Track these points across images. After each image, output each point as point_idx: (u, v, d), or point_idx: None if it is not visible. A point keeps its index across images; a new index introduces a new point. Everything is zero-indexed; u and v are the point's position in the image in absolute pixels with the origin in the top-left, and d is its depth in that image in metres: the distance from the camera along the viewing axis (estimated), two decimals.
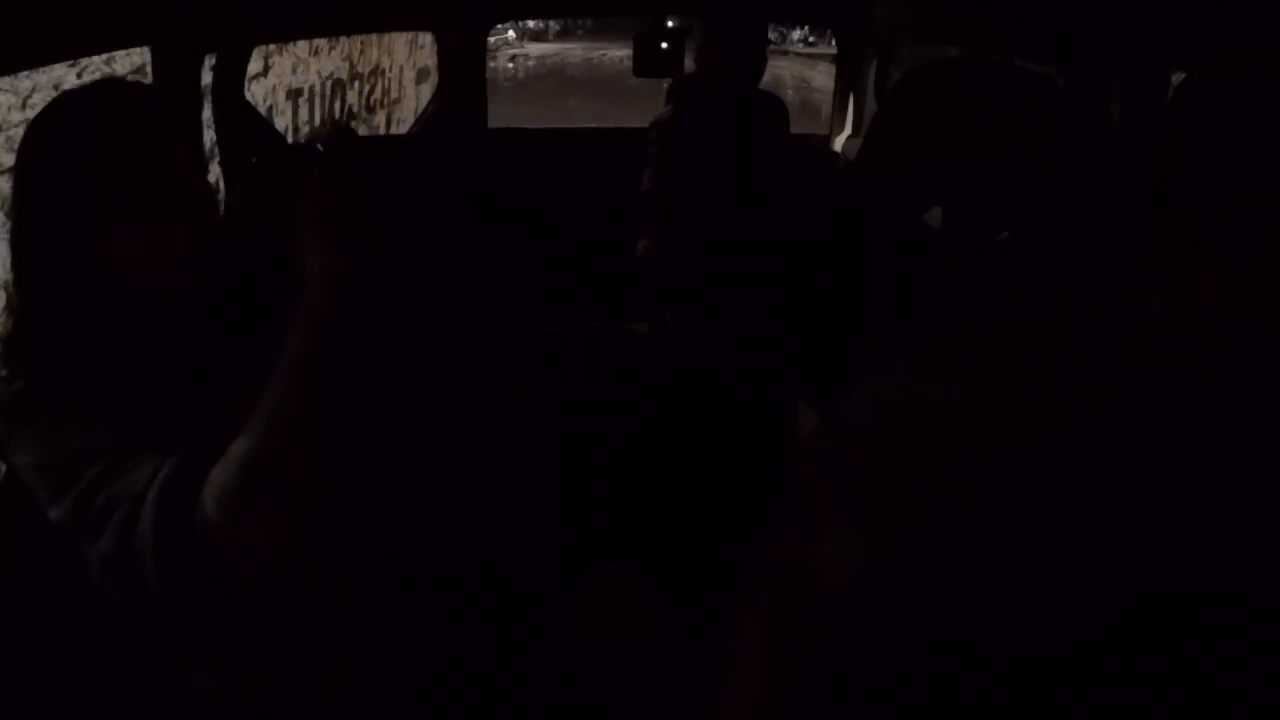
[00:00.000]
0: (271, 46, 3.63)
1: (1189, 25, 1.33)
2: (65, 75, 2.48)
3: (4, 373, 0.85)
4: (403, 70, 5.26)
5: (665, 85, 2.48)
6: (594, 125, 3.05)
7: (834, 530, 0.75)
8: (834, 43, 2.86)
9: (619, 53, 10.84)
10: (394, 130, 5.10)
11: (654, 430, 2.11)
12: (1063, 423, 0.68)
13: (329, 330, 0.78)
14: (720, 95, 2.22)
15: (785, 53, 15.23)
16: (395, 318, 0.95)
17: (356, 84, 4.70)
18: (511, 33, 14.80)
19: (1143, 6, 1.40)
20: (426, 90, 4.83)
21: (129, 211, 0.87)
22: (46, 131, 0.88)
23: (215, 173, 1.88)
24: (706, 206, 2.17)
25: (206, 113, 1.82)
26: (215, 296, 0.91)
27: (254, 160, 0.90)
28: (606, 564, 1.21)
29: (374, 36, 4.75)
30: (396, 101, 5.20)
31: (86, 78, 2.53)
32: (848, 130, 2.86)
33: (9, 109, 2.42)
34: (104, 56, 2.52)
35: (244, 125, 1.89)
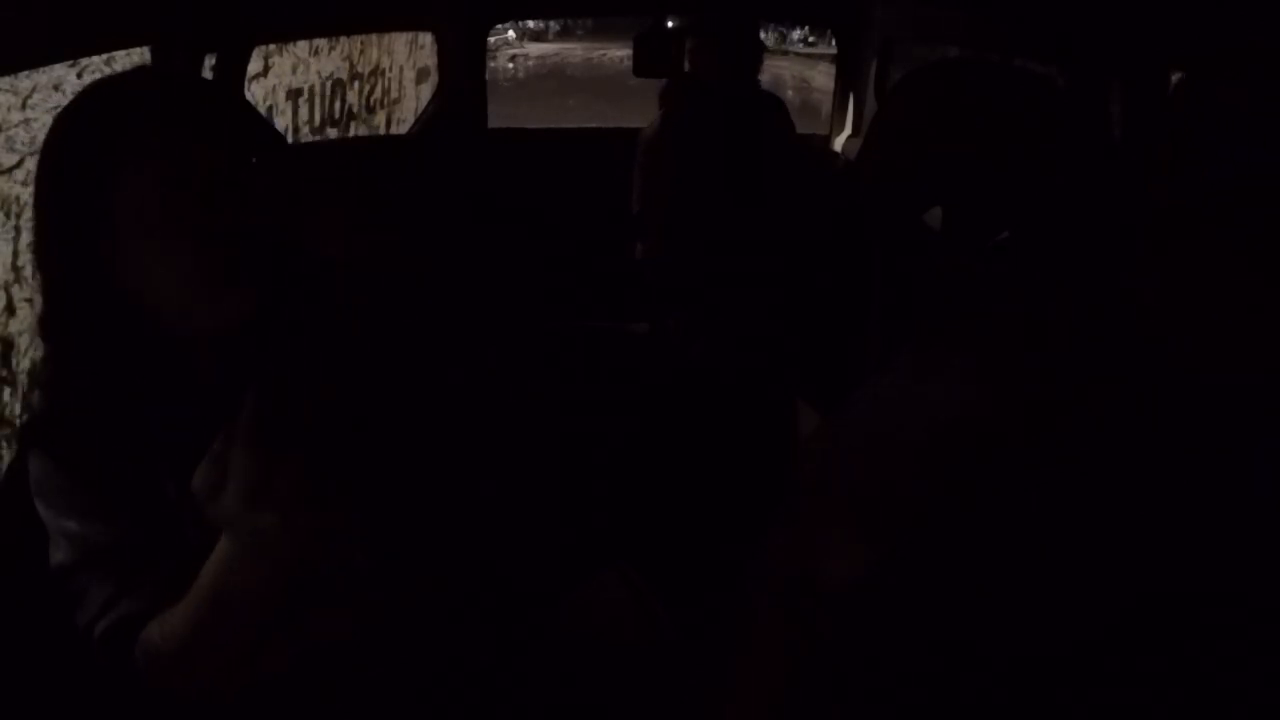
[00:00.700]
0: (271, 46, 3.62)
1: (1189, 25, 1.33)
2: (65, 75, 2.47)
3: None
4: (403, 70, 5.25)
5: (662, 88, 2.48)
6: (594, 125, 3.05)
7: (835, 530, 0.75)
8: (834, 43, 2.86)
9: (619, 53, 10.83)
10: (394, 130, 5.10)
11: (654, 430, 2.11)
12: (1062, 423, 0.68)
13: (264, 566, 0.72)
14: (718, 96, 2.22)
15: (785, 53, 15.22)
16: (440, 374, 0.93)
17: (356, 84, 4.70)
18: (511, 33, 14.81)
19: (1143, 6, 1.40)
20: (426, 90, 4.82)
21: (157, 229, 0.77)
22: (63, 133, 0.80)
23: None
24: (706, 208, 2.17)
25: None
26: (266, 323, 0.82)
27: (254, 160, 0.88)
28: (606, 564, 1.21)
29: (374, 36, 4.75)
30: (396, 101, 5.20)
31: (87, 78, 2.52)
32: (848, 130, 2.86)
33: (9, 109, 2.42)
34: (104, 56, 2.52)
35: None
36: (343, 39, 4.39)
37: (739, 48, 2.25)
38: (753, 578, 0.81)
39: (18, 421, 2.21)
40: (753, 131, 2.28)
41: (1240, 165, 0.64)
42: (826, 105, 2.94)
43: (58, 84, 2.45)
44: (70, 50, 1.43)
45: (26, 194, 1.85)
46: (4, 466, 1.32)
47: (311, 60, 4.15)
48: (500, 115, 2.87)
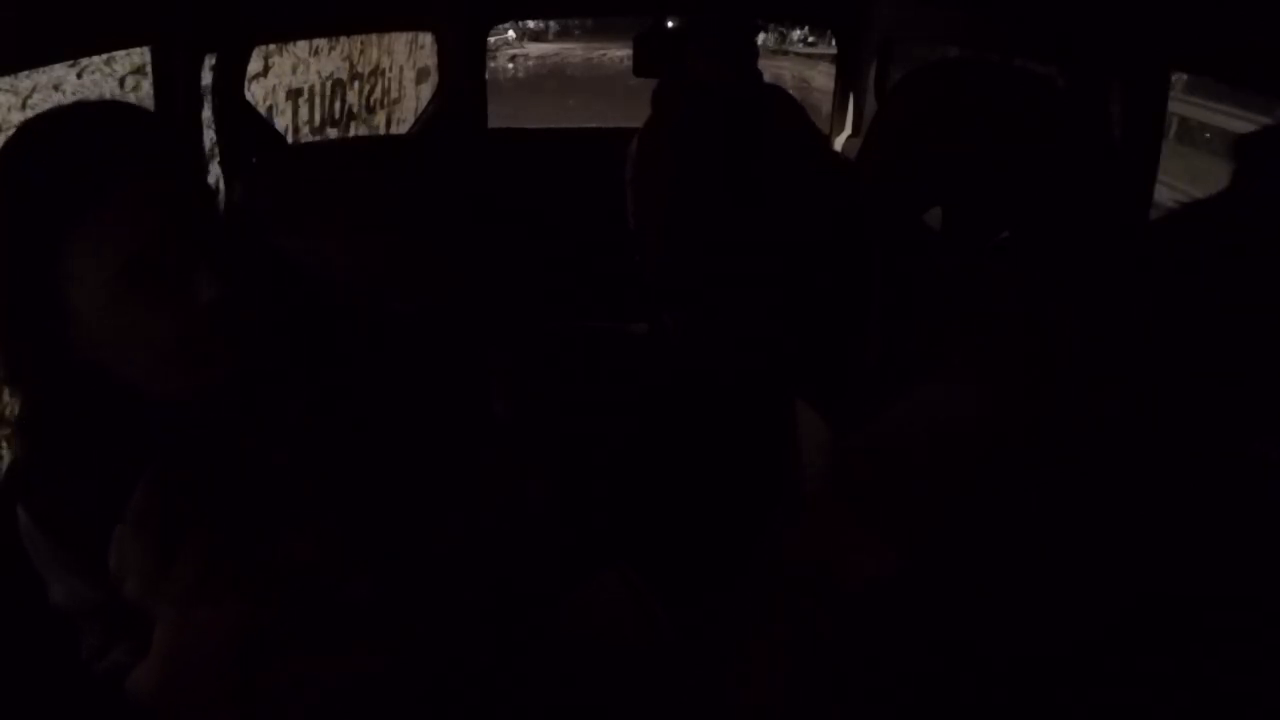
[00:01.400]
0: (271, 46, 3.62)
1: (1189, 25, 1.32)
2: (65, 75, 2.48)
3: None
4: (403, 70, 5.25)
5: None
6: (594, 125, 3.05)
7: (851, 533, 0.75)
8: (834, 43, 2.86)
9: (619, 53, 10.83)
10: (394, 130, 5.09)
11: (654, 431, 2.11)
12: (1063, 423, 0.68)
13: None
14: (718, 97, 2.22)
15: (785, 53, 15.21)
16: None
17: (356, 84, 4.70)
18: (511, 33, 14.79)
19: (1143, 6, 1.40)
20: (426, 90, 4.82)
21: (115, 293, 0.69)
22: (6, 198, 0.69)
23: (215, 173, 1.88)
24: (706, 209, 2.17)
25: (206, 113, 1.82)
26: (252, 380, 0.78)
27: (254, 160, 0.87)
28: (606, 564, 1.21)
29: (374, 36, 4.74)
30: (396, 101, 5.19)
31: (86, 78, 2.52)
32: (848, 130, 2.86)
33: (9, 109, 2.41)
34: (104, 56, 2.52)
35: (244, 125, 1.89)
36: (343, 39, 4.38)
37: (740, 48, 2.24)
38: (752, 579, 0.81)
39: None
40: (752, 131, 2.27)
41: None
42: (826, 105, 2.94)
43: (58, 84, 2.45)
44: (70, 50, 1.43)
45: None
46: (4, 466, 1.32)
47: (311, 60, 4.15)
48: (500, 115, 2.87)
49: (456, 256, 1.57)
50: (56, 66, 2.39)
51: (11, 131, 0.75)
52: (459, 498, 0.90)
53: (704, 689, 1.07)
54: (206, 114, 1.83)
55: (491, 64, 3.73)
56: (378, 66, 4.93)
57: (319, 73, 4.25)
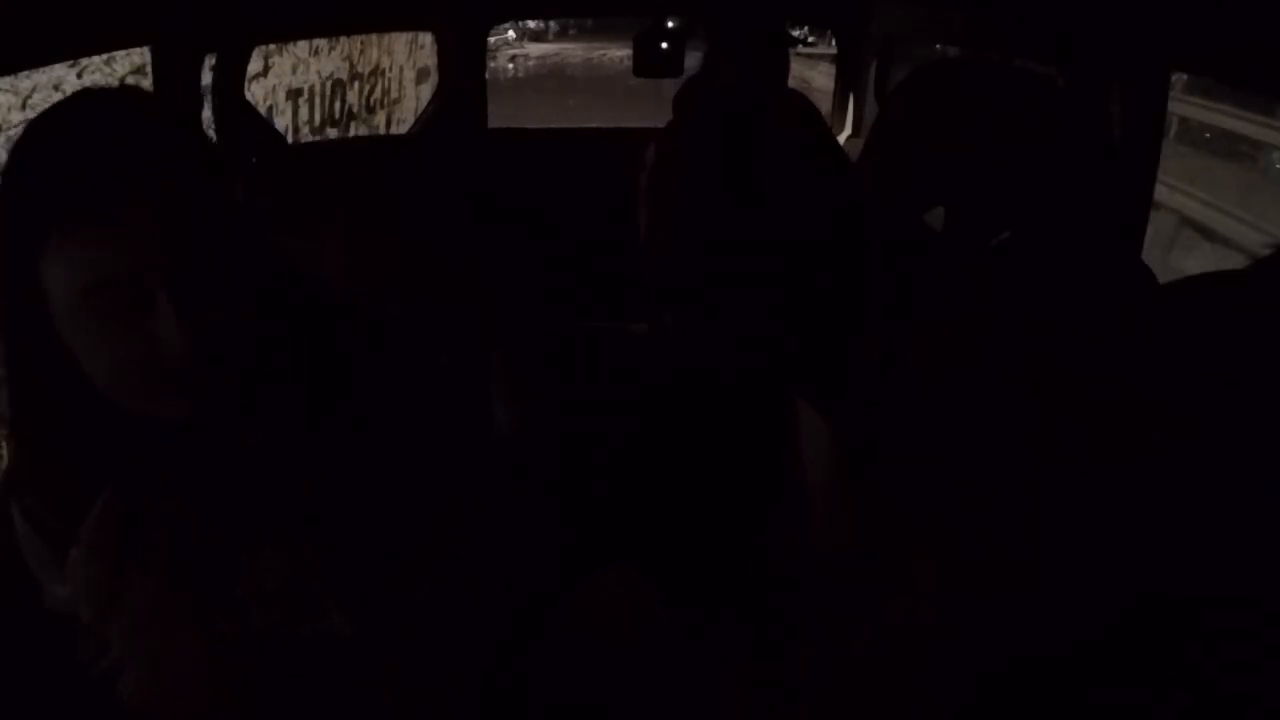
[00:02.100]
0: (271, 46, 3.62)
1: (1189, 25, 1.32)
2: (65, 75, 2.48)
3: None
4: (403, 70, 5.26)
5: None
6: (594, 125, 3.05)
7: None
8: (834, 43, 2.86)
9: (619, 53, 10.82)
10: (394, 130, 5.10)
11: (654, 431, 2.10)
12: (1063, 422, 0.68)
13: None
14: (723, 98, 2.21)
15: None
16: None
17: (356, 84, 4.70)
18: (511, 33, 14.79)
19: (1143, 6, 1.40)
20: (426, 90, 4.83)
21: (81, 310, 0.65)
22: (9, 173, 0.67)
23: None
24: (709, 209, 2.17)
25: (206, 113, 1.82)
26: (249, 384, 0.75)
27: (254, 160, 0.86)
28: (606, 564, 1.21)
29: (374, 36, 4.75)
30: (396, 101, 5.20)
31: (86, 78, 2.52)
32: (848, 130, 2.86)
33: (9, 109, 2.42)
34: (104, 56, 2.52)
35: (244, 125, 1.89)
36: (343, 39, 4.39)
37: (740, 48, 2.23)
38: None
39: None
40: (752, 132, 2.27)
41: None
42: (826, 105, 2.94)
43: (58, 84, 2.45)
44: (70, 50, 1.43)
45: None
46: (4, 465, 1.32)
47: (311, 60, 4.15)
48: (500, 115, 2.87)
49: (456, 257, 1.57)
50: (56, 66, 2.39)
51: (11, 131, 0.74)
52: (459, 498, 0.90)
53: (704, 689, 1.07)
54: (206, 114, 1.83)
55: (491, 64, 3.73)
56: (378, 66, 4.93)
57: (319, 73, 4.25)
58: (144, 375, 0.67)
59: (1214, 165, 5.66)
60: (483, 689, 0.93)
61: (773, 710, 1.05)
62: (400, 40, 5.18)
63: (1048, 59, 1.77)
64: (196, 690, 0.69)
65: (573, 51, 15.52)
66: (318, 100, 4.26)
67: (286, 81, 3.95)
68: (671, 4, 2.86)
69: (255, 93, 3.54)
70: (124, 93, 0.79)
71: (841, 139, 2.85)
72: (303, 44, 3.94)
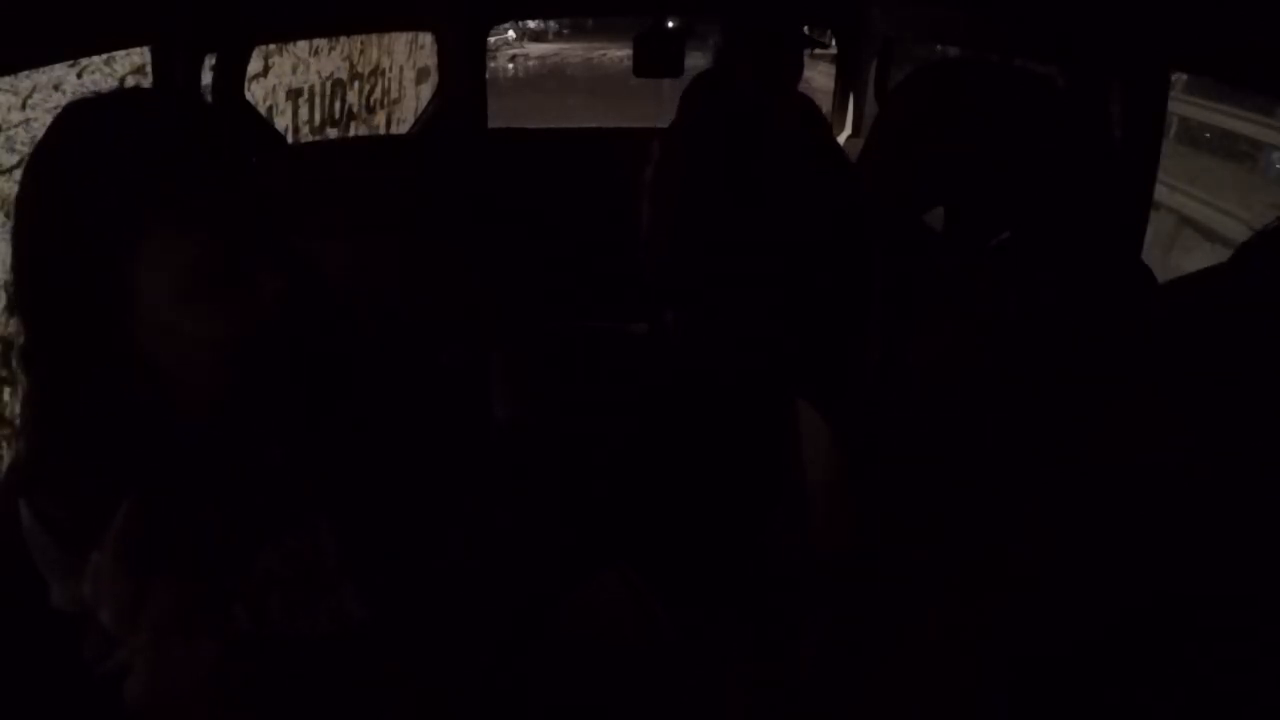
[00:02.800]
0: (271, 46, 3.63)
1: (1189, 25, 1.32)
2: (65, 75, 2.48)
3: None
4: (403, 70, 5.26)
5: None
6: (594, 125, 3.05)
7: None
8: (834, 43, 2.86)
9: (619, 53, 10.83)
10: (394, 130, 5.10)
11: (654, 430, 2.11)
12: (1062, 421, 0.68)
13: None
14: (721, 98, 2.21)
15: None
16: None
17: (356, 84, 4.70)
18: (511, 33, 14.79)
19: (1143, 6, 1.40)
20: (426, 90, 4.83)
21: (182, 294, 0.70)
22: (69, 183, 0.69)
23: None
24: (710, 209, 2.17)
25: None
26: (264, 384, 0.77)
27: (254, 160, 0.86)
28: (606, 564, 1.21)
29: (374, 36, 4.75)
30: (396, 101, 5.20)
31: (86, 78, 2.52)
32: (848, 130, 2.86)
33: (9, 109, 2.42)
34: (104, 56, 2.52)
35: (244, 125, 1.89)
36: (343, 39, 4.39)
37: (771, 52, 2.22)
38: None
39: (17, 423, 2.21)
40: (752, 131, 2.27)
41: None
42: (826, 105, 2.94)
43: (58, 84, 2.45)
44: (70, 50, 1.43)
45: None
46: (4, 466, 1.32)
47: (311, 60, 4.15)
48: (501, 115, 2.87)
49: (456, 256, 1.57)
50: (56, 66, 2.39)
51: (11, 131, 0.75)
52: (459, 498, 0.90)
53: (704, 689, 1.07)
54: None
55: (491, 64, 3.73)
56: (378, 66, 4.93)
57: (319, 73, 4.25)
58: (239, 348, 0.72)
59: (1214, 165, 5.66)
60: (483, 689, 0.93)
61: (773, 710, 1.05)
62: (400, 40, 5.18)
63: (1048, 59, 1.77)
64: (210, 695, 0.70)
65: (573, 51, 15.53)
66: (318, 100, 4.26)
67: (286, 81, 3.95)
68: (671, 4, 2.86)
69: (255, 93, 3.54)
70: (140, 93, 0.83)
71: (841, 139, 2.85)
72: (303, 44, 3.94)
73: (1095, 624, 0.65)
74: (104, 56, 2.52)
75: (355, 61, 4.67)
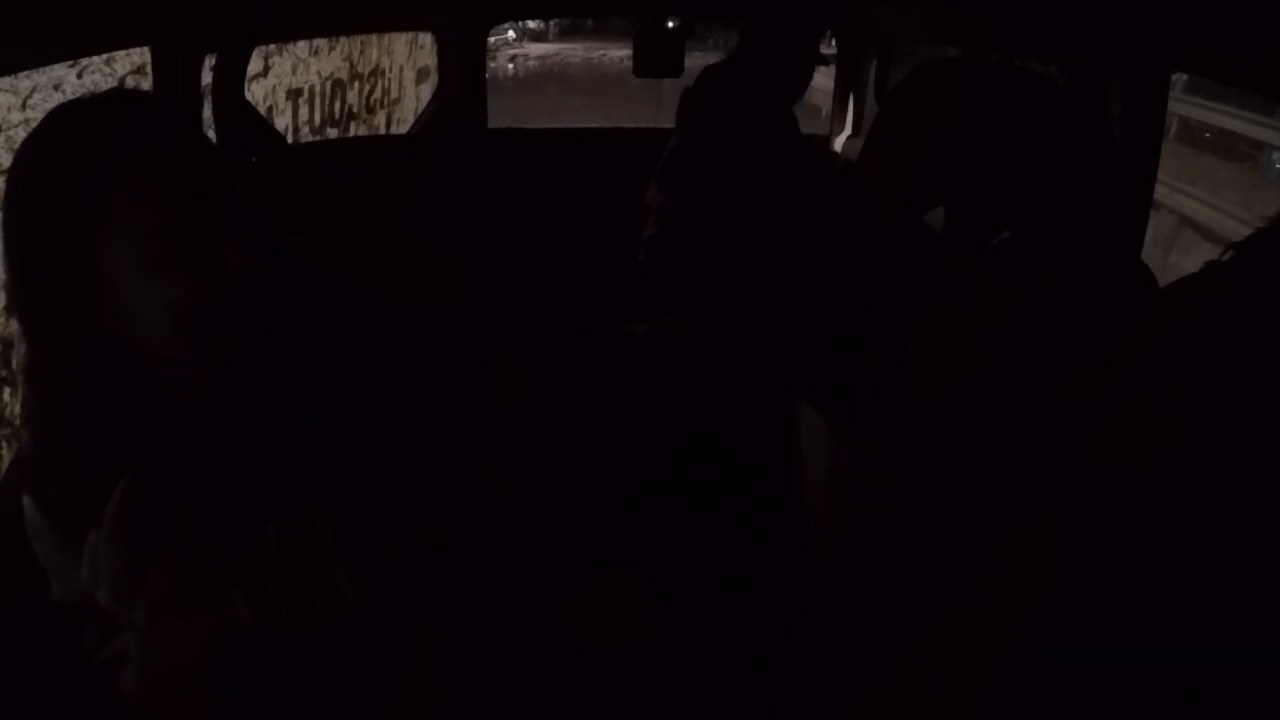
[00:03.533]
0: (271, 46, 3.62)
1: (1189, 25, 1.32)
2: (65, 75, 2.47)
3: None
4: (403, 70, 5.25)
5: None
6: (594, 125, 3.05)
7: None
8: (834, 43, 2.86)
9: (619, 53, 10.82)
10: (394, 130, 5.09)
11: (654, 430, 2.11)
12: (1062, 419, 0.68)
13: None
14: (741, 104, 2.21)
15: None
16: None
17: (356, 84, 4.69)
18: (511, 33, 14.78)
19: (1143, 6, 1.40)
20: (426, 90, 4.83)
21: (141, 267, 0.72)
22: (38, 173, 0.74)
23: None
24: (711, 208, 2.17)
25: (206, 113, 1.82)
26: (257, 376, 0.79)
27: (254, 160, 0.87)
28: (606, 564, 1.21)
29: (374, 36, 4.74)
30: (396, 101, 5.19)
31: (86, 78, 2.52)
32: (848, 130, 2.85)
33: (9, 109, 2.41)
34: (104, 56, 2.52)
35: (244, 125, 1.89)
36: (343, 39, 4.38)
37: (784, 62, 2.23)
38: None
39: (18, 422, 2.21)
40: (757, 133, 2.27)
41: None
42: (826, 105, 2.94)
43: (58, 84, 2.45)
44: (70, 50, 1.43)
45: None
46: (4, 466, 1.32)
47: (311, 60, 4.14)
48: (501, 115, 2.87)
49: (456, 256, 1.57)
50: (56, 66, 2.39)
51: (11, 132, 0.76)
52: (458, 497, 0.90)
53: (703, 689, 1.07)
54: (206, 114, 1.83)
55: (491, 64, 3.73)
56: (378, 66, 4.93)
57: (319, 73, 4.25)
58: (200, 317, 0.74)
59: (1214, 165, 5.66)
60: (483, 689, 0.93)
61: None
62: (400, 40, 5.18)
63: (1048, 59, 1.77)
64: (207, 674, 0.71)
65: (573, 51, 15.52)
66: (318, 100, 4.26)
67: (286, 81, 3.95)
68: (671, 4, 2.86)
69: (255, 93, 3.54)
70: (124, 91, 0.85)
71: (841, 139, 2.85)
72: (303, 44, 3.94)
73: (1097, 623, 0.65)
74: (104, 56, 2.51)
75: (355, 61, 4.67)
